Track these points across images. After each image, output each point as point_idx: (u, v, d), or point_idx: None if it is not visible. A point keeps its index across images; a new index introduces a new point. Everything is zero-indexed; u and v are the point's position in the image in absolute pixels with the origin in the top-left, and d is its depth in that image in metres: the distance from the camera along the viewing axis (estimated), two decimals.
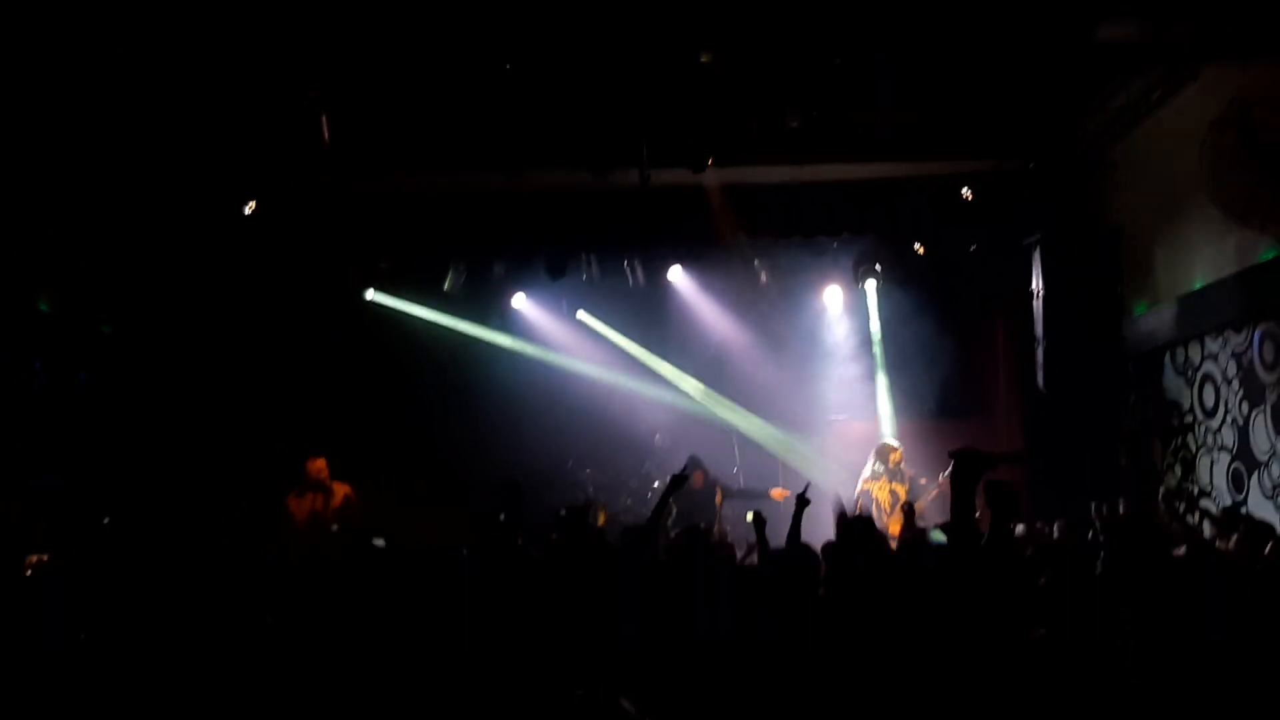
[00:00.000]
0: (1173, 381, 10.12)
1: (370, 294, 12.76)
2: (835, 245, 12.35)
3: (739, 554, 7.64)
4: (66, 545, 8.77)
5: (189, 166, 10.69)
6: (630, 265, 12.65)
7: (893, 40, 8.37)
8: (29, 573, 6.99)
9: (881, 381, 12.90)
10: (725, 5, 8.09)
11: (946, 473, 4.31)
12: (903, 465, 10.66)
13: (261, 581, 4.89)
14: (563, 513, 8.14)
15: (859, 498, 10.67)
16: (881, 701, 3.70)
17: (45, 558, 7.58)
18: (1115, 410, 10.99)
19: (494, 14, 8.08)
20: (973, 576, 3.68)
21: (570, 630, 4.70)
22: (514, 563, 6.03)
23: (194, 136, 10.10)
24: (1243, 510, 8.68)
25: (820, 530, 5.92)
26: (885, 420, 12.72)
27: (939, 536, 4.91)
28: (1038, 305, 11.41)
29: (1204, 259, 9.32)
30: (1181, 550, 5.83)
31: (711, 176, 10.41)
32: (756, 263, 12.61)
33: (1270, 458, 8.51)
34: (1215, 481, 9.33)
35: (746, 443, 12.91)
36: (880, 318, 12.86)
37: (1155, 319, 10.23)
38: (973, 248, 12.19)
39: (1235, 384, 9.04)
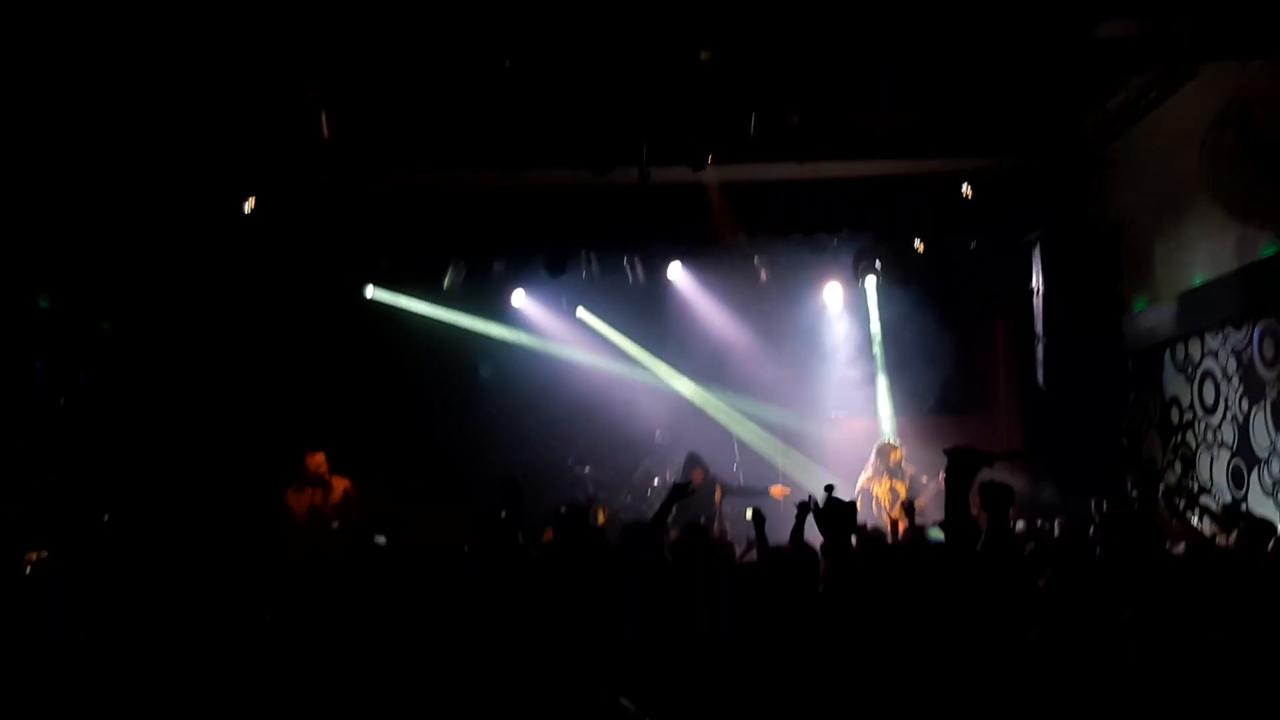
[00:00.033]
0: (1173, 378, 10.12)
1: (370, 291, 12.75)
2: (835, 243, 12.34)
3: (739, 551, 7.66)
4: (66, 543, 8.78)
5: (188, 164, 10.68)
6: (630, 263, 12.65)
7: (893, 40, 8.36)
8: (28, 571, 7.01)
9: (881, 379, 12.89)
10: (725, 4, 8.09)
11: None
12: (903, 463, 10.66)
13: (261, 580, 4.89)
14: (563, 510, 8.14)
15: (859, 495, 10.68)
16: (881, 699, 3.70)
17: (45, 555, 7.59)
18: (1115, 407, 10.99)
19: (493, 12, 8.08)
20: (969, 574, 3.68)
21: (570, 629, 4.70)
22: (514, 561, 6.03)
23: (193, 135, 10.09)
24: (1243, 507, 8.70)
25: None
26: (885, 418, 12.71)
27: (938, 534, 4.91)
28: (1038, 302, 11.41)
29: (1204, 256, 9.32)
30: (1181, 547, 5.84)
31: (711, 174, 10.40)
32: (756, 260, 12.61)
33: (1270, 454, 8.52)
34: (1215, 478, 9.33)
35: (745, 439, 12.92)
36: (880, 315, 12.85)
37: (1155, 316, 10.23)
38: (973, 245, 12.18)
39: (1235, 381, 9.04)
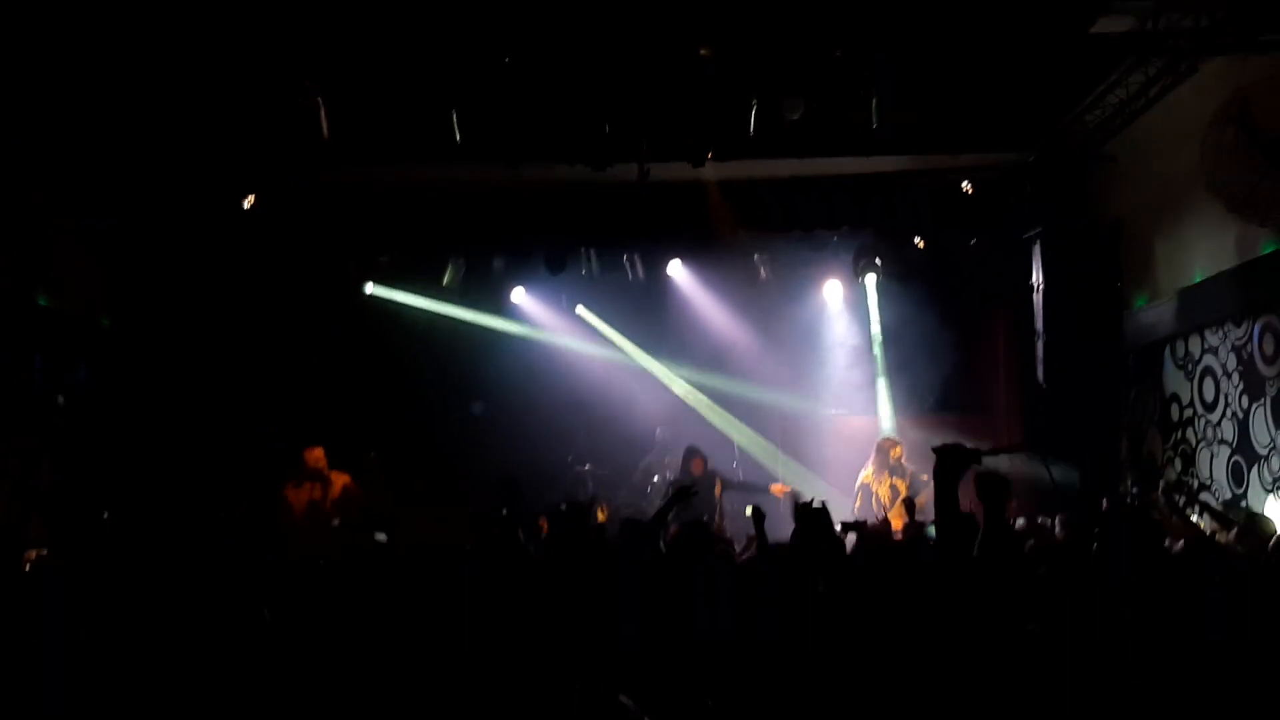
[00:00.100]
0: (1173, 375, 10.11)
1: (369, 288, 12.73)
2: (835, 239, 12.33)
3: (738, 549, 7.65)
4: (65, 541, 8.79)
5: (188, 162, 10.67)
6: (630, 260, 12.64)
7: (893, 40, 8.36)
8: (28, 568, 7.01)
9: (881, 376, 12.88)
10: (725, 2, 8.08)
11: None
12: (903, 460, 10.65)
13: (261, 579, 4.89)
14: (563, 507, 8.14)
15: (859, 492, 10.68)
16: (880, 697, 3.69)
17: (44, 553, 7.59)
18: (1115, 404, 10.99)
19: (493, 7, 8.07)
20: (962, 571, 3.67)
21: (570, 627, 4.70)
22: (515, 560, 6.03)
23: (193, 132, 10.08)
24: (1243, 504, 8.70)
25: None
26: (885, 415, 12.70)
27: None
28: (1038, 299, 11.40)
29: (1204, 252, 9.31)
30: (1181, 544, 5.84)
31: (711, 171, 10.39)
32: (756, 257, 12.60)
33: (1270, 451, 8.51)
34: (1215, 475, 9.33)
35: (746, 437, 12.92)
36: (880, 312, 12.83)
37: (1155, 313, 10.23)
38: (973, 242, 12.18)
39: (1235, 377, 9.04)
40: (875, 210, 11.62)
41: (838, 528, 6.06)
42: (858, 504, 10.56)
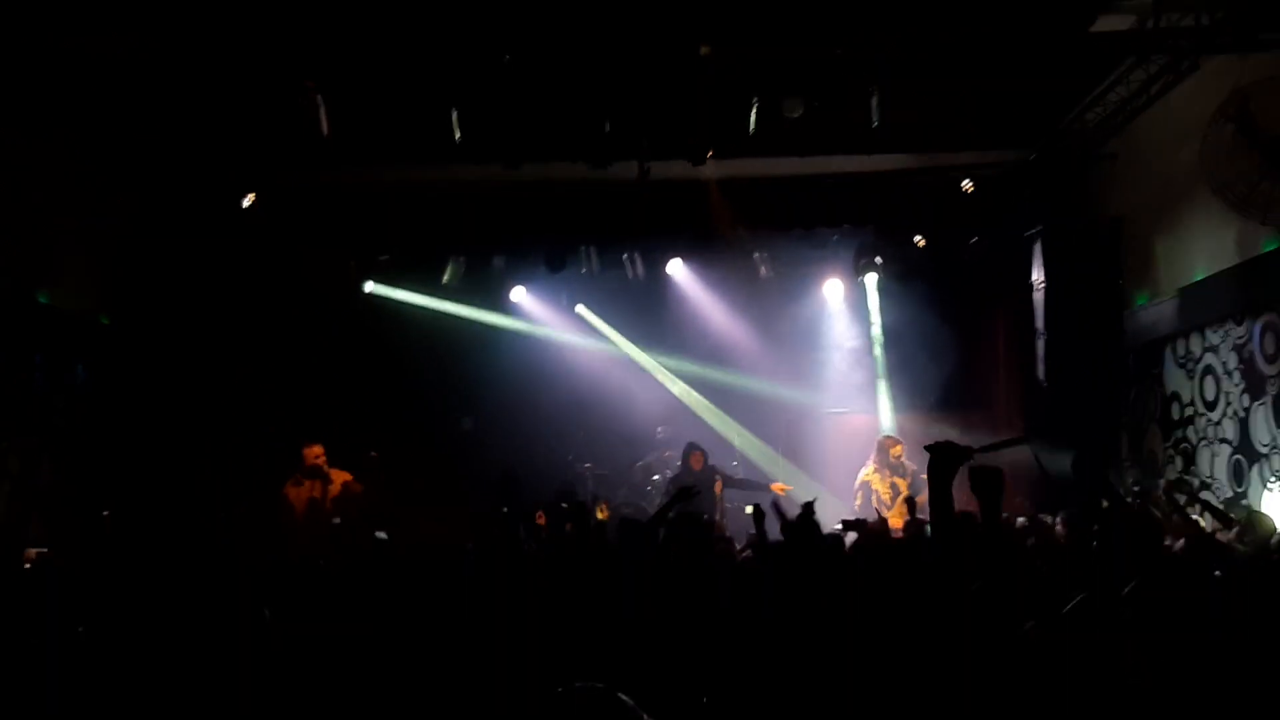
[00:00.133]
0: (1174, 374, 10.11)
1: (369, 287, 12.73)
2: (836, 238, 12.34)
3: (738, 547, 7.64)
4: (65, 539, 8.79)
5: (188, 161, 10.67)
6: (630, 258, 12.63)
7: (893, 40, 8.36)
8: (28, 567, 7.01)
9: (882, 375, 12.88)
10: (726, 2, 8.08)
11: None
12: (903, 459, 10.64)
13: (261, 579, 4.89)
14: (564, 506, 8.13)
15: (859, 490, 10.68)
16: (880, 695, 3.69)
17: (45, 552, 7.59)
18: (1116, 403, 10.99)
19: (493, 6, 8.07)
20: (958, 569, 3.66)
21: (570, 626, 4.70)
22: (514, 559, 6.02)
23: (193, 132, 10.09)
24: (1244, 502, 8.69)
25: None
26: (885, 414, 12.71)
27: None
28: (1038, 298, 11.40)
29: (1204, 251, 9.31)
30: (1181, 543, 5.83)
31: (711, 169, 10.39)
32: (756, 256, 12.60)
33: (1271, 450, 8.51)
34: (1216, 473, 9.33)
35: (746, 435, 12.93)
36: (880, 311, 12.84)
37: (1156, 311, 10.23)
38: (973, 241, 12.17)
39: (1236, 376, 9.04)
40: (876, 209, 11.63)
41: (838, 526, 6.08)
42: (858, 502, 10.57)
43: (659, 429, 12.86)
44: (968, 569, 3.64)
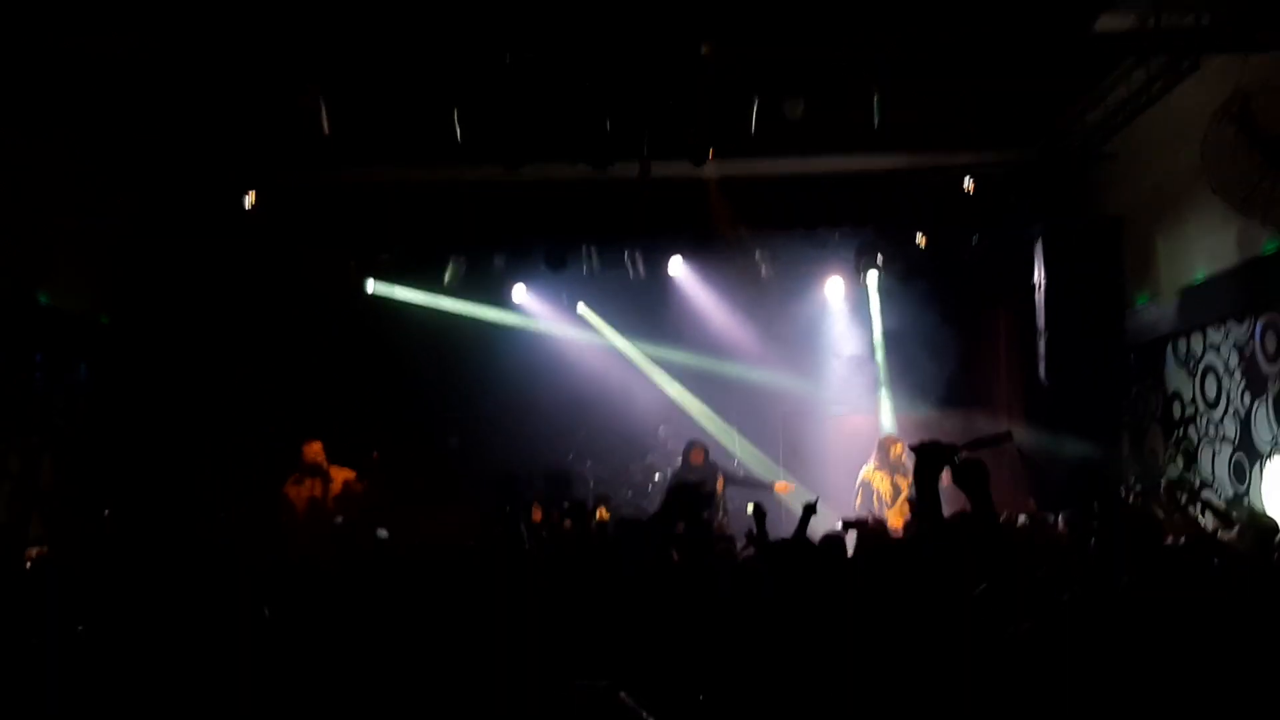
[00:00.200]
0: (1175, 373, 10.10)
1: (370, 286, 12.73)
2: (836, 237, 12.32)
3: (739, 545, 7.64)
4: (66, 539, 8.79)
5: (188, 161, 10.67)
6: (631, 257, 12.63)
7: (893, 40, 8.35)
8: (29, 566, 7.01)
9: (883, 374, 12.89)
10: (726, 1, 8.08)
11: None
12: (904, 457, 10.64)
13: (261, 579, 4.89)
14: (565, 505, 8.13)
15: (860, 489, 10.68)
16: (879, 695, 3.69)
17: (45, 551, 7.59)
18: (1117, 402, 10.99)
19: (494, 5, 8.07)
20: (951, 569, 3.66)
21: (570, 625, 4.70)
22: (515, 559, 6.03)
23: (193, 132, 10.09)
24: (1245, 502, 8.69)
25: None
26: (886, 413, 12.71)
27: None
28: (1039, 297, 11.39)
29: (1205, 250, 9.30)
30: (1182, 542, 5.83)
31: (712, 168, 10.38)
32: (757, 255, 12.59)
33: (1272, 449, 8.50)
34: (1217, 473, 9.32)
35: (747, 435, 12.93)
36: (881, 310, 12.85)
37: (1157, 310, 10.22)
38: (974, 240, 12.17)
39: (1237, 375, 9.03)
40: (876, 208, 11.61)
41: (838, 525, 6.07)
42: (859, 501, 10.57)
43: (660, 427, 12.86)
44: (967, 568, 3.64)
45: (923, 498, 3.81)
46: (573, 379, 12.95)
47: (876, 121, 8.80)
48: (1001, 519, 5.14)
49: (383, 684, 4.34)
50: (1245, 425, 8.90)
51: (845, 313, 13.25)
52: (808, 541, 5.45)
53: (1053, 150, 10.96)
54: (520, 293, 13.25)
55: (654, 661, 4.35)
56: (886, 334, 12.82)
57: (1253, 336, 8.77)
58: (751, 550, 6.28)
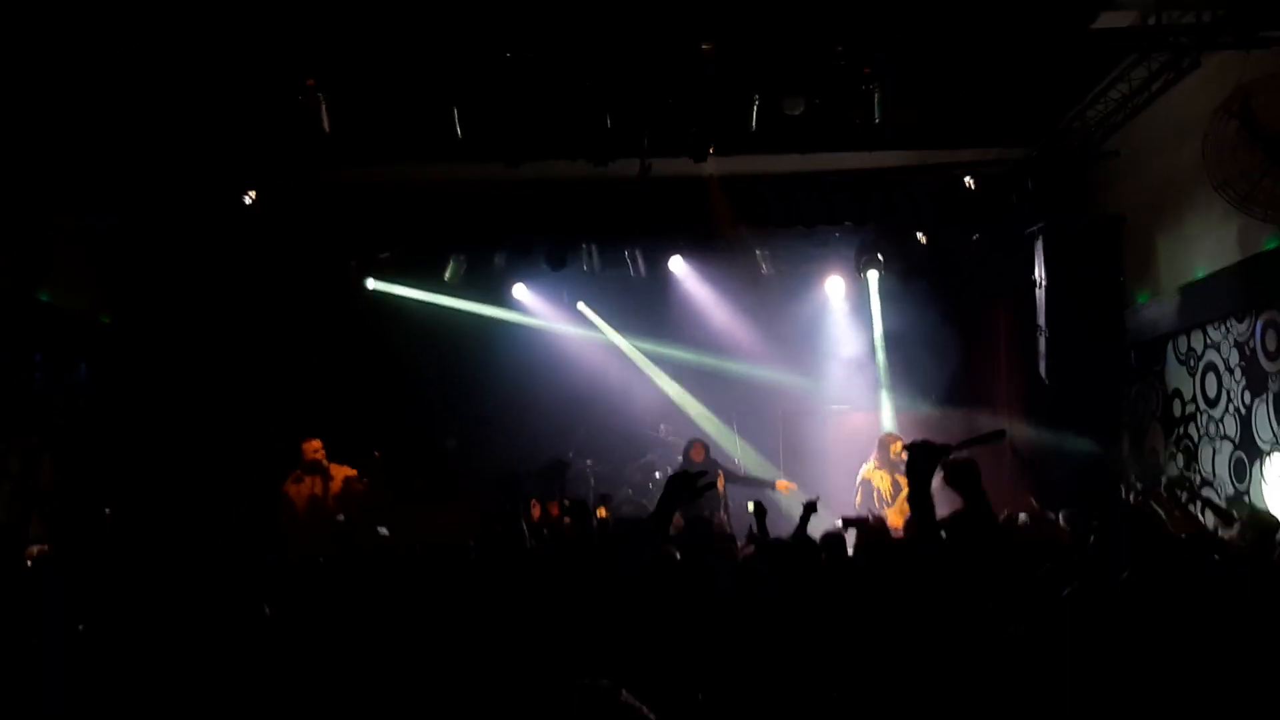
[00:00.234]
0: (1175, 371, 10.10)
1: (371, 284, 12.72)
2: (837, 235, 12.34)
3: (740, 544, 7.64)
4: (66, 538, 8.79)
5: (188, 161, 10.67)
6: (631, 255, 12.63)
7: (893, 39, 8.35)
8: (29, 565, 7.01)
9: (883, 372, 12.89)
10: (726, 2, 8.08)
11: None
12: (904, 455, 10.61)
13: (261, 578, 4.89)
14: (566, 503, 8.12)
15: (860, 487, 10.68)
16: (880, 695, 3.69)
17: (45, 550, 7.59)
18: (1117, 400, 10.98)
19: (494, 4, 8.06)
20: (950, 568, 3.65)
21: (571, 624, 4.69)
22: (515, 558, 6.02)
23: (193, 131, 10.08)
24: (1245, 499, 8.69)
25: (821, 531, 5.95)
26: (886, 410, 12.71)
27: None
28: (1040, 295, 11.38)
29: (1206, 248, 9.30)
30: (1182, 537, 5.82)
31: (712, 166, 10.38)
32: (758, 253, 12.59)
33: (1273, 447, 8.50)
34: (1218, 471, 9.32)
35: (748, 434, 12.93)
36: (882, 308, 12.85)
37: (1157, 308, 10.22)
38: (975, 238, 12.17)
39: (1238, 373, 9.03)
40: (877, 206, 11.62)
41: (838, 523, 6.07)
42: (859, 499, 10.57)
43: (661, 425, 12.86)
44: (967, 567, 3.64)
45: (915, 496, 3.80)
46: (573, 377, 12.96)
47: (877, 117, 8.79)
48: (1002, 518, 5.14)
49: (383, 683, 4.34)
50: (1246, 423, 8.89)
51: (845, 311, 13.25)
52: (808, 540, 5.44)
53: (1053, 149, 10.96)
54: (520, 291, 13.27)
55: (654, 660, 4.34)
56: (887, 332, 12.82)
57: (1253, 334, 8.77)
58: (752, 549, 6.29)
